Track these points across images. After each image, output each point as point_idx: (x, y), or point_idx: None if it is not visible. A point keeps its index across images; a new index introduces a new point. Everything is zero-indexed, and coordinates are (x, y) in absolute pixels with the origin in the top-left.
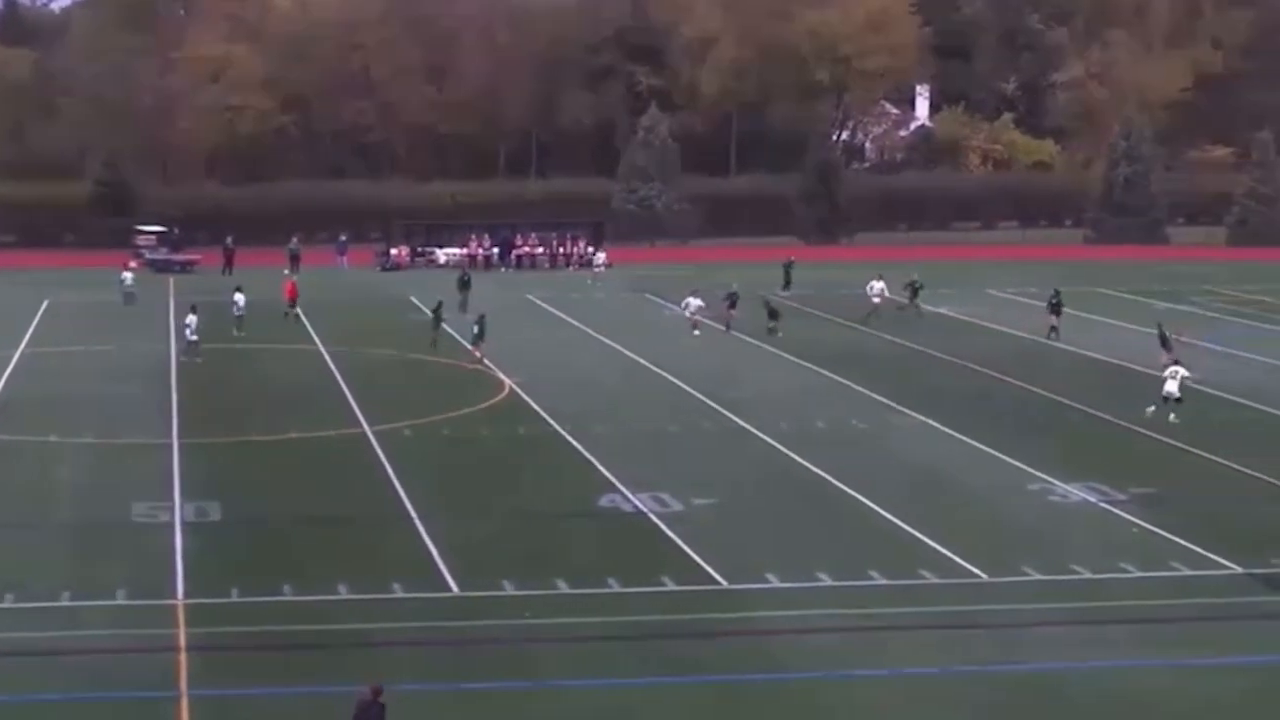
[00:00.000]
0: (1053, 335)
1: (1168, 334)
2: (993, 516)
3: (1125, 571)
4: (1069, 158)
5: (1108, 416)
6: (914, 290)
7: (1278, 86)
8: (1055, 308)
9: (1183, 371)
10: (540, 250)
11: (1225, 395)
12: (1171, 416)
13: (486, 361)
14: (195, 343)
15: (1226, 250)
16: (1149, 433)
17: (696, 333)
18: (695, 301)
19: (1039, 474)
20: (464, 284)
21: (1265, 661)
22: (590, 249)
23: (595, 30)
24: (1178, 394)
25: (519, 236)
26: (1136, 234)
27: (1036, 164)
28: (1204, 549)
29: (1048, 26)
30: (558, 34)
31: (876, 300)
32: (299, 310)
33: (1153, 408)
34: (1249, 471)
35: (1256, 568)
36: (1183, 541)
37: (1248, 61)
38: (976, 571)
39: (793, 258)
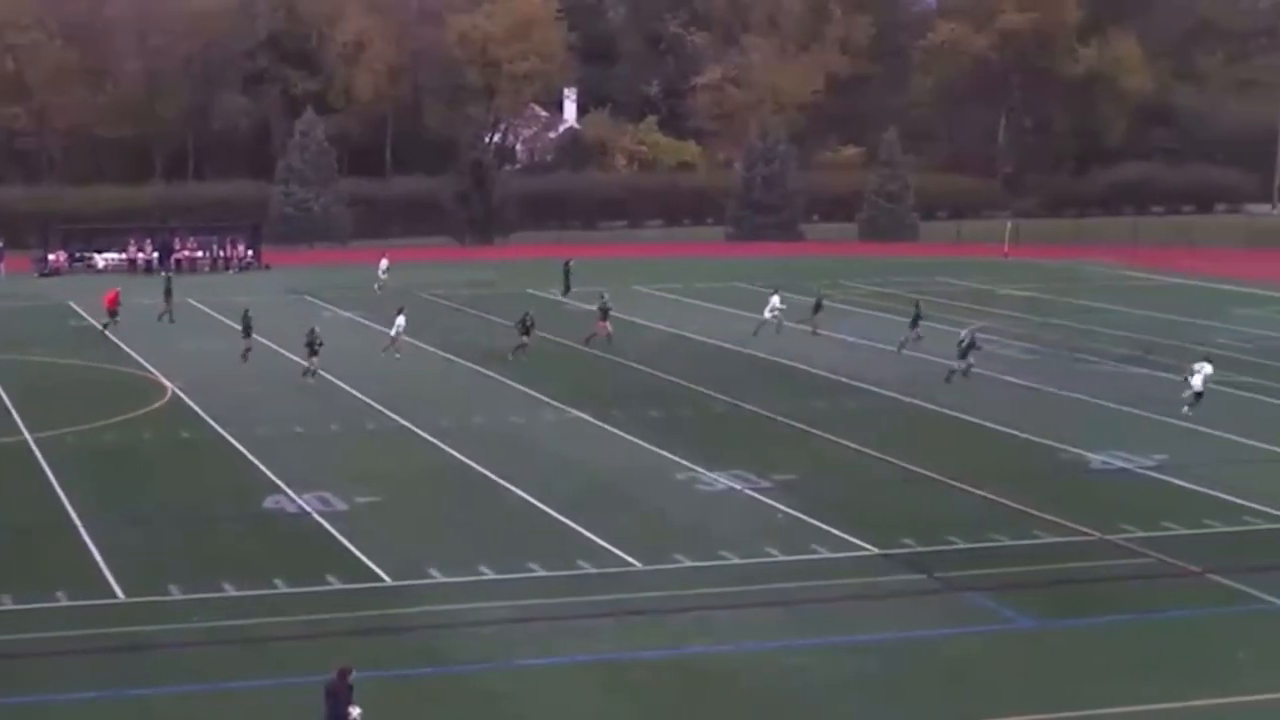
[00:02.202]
0: (904, 349)
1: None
2: (645, 507)
3: (770, 556)
4: (710, 158)
5: (751, 406)
6: (817, 304)
7: (901, 88)
8: (915, 320)
9: (1208, 369)
10: (200, 254)
11: (857, 384)
12: (1186, 409)
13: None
14: None
15: (858, 245)
16: (789, 421)
17: (398, 355)
18: (402, 320)
19: (687, 464)
20: (168, 292)
21: (903, 637)
22: (249, 251)
23: (249, 34)
24: (1200, 389)
25: (178, 240)
26: (774, 231)
27: (680, 164)
28: (842, 532)
29: (687, 32)
30: (211, 37)
31: (769, 316)
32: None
33: (1187, 408)
34: (881, 456)
35: (891, 548)
36: (823, 525)
37: (873, 64)
38: (631, 560)
39: (570, 259)
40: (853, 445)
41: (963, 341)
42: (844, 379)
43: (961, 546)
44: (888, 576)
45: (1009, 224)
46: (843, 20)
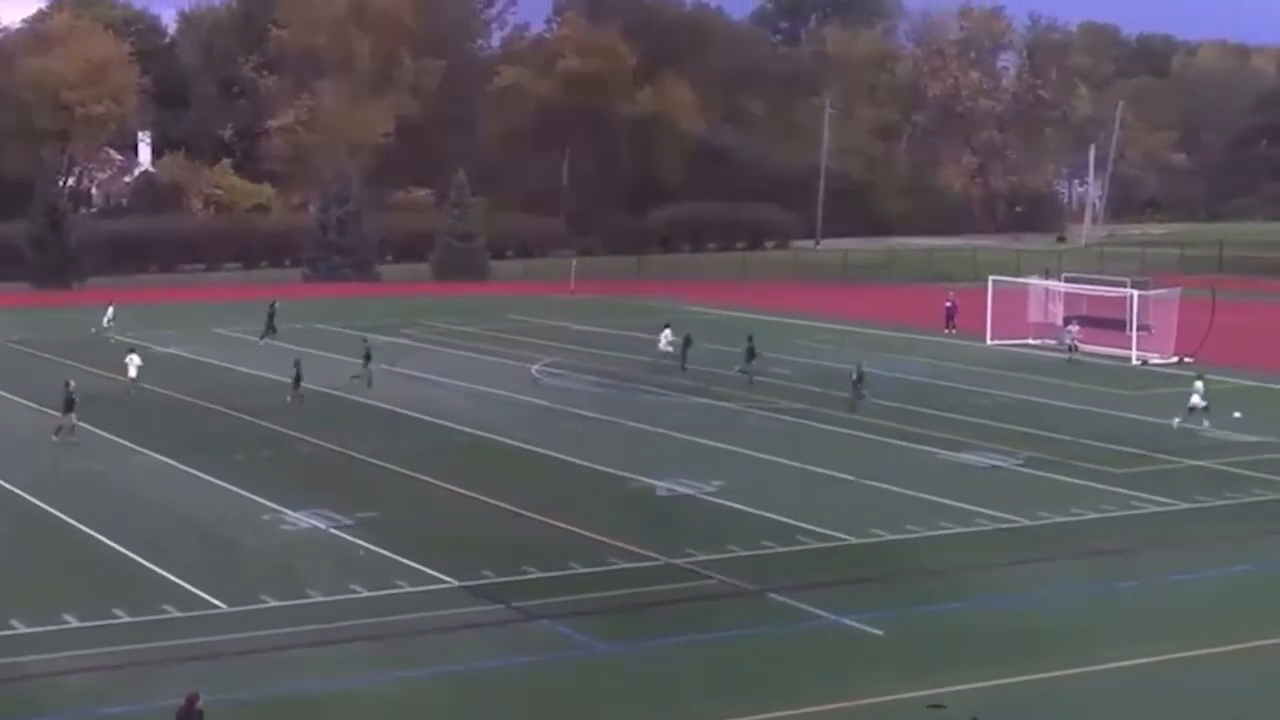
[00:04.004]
0: (741, 373)
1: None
2: (230, 548)
3: (355, 592)
4: (285, 200)
5: (333, 445)
6: (686, 341)
7: (468, 131)
8: (750, 354)
9: (1200, 385)
10: None
11: (433, 419)
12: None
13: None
14: None
15: (431, 285)
16: (370, 459)
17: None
18: (137, 359)
19: (271, 504)
20: None
21: (485, 667)
22: None
23: None
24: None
25: None
26: (350, 272)
27: (256, 206)
28: (423, 566)
29: (260, 75)
30: None
31: (668, 349)
32: None
33: (1206, 423)
34: (460, 490)
35: (471, 580)
36: (404, 560)
37: (443, 108)
38: (217, 603)
39: (276, 300)
40: (432, 480)
41: (852, 375)
42: (424, 416)
43: (538, 576)
44: (468, 608)
45: (574, 262)
46: (413, 65)
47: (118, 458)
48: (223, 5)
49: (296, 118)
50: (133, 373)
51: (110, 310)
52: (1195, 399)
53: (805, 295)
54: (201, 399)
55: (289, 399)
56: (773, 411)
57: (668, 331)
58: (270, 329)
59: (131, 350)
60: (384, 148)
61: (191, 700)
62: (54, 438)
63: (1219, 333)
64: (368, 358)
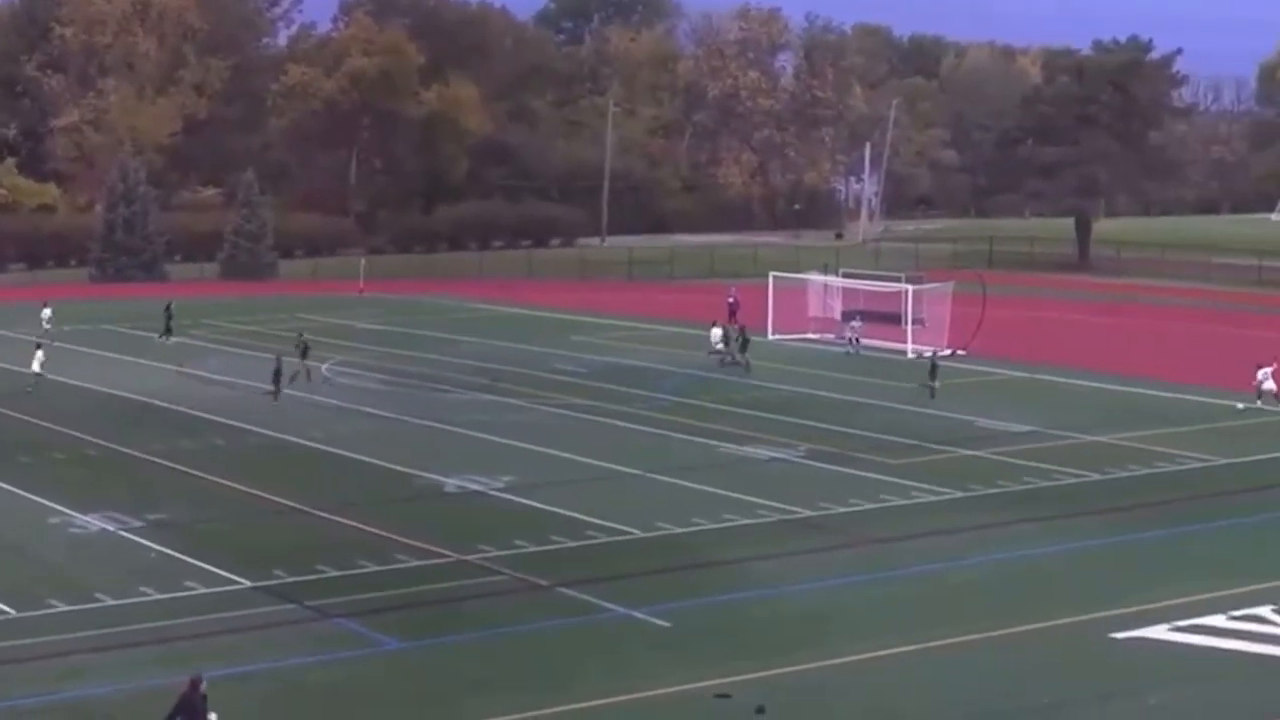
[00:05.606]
0: (728, 360)
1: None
2: (17, 553)
3: (146, 595)
4: (71, 200)
5: (123, 448)
6: (744, 341)
7: (255, 130)
8: (733, 341)
9: (1269, 370)
10: None
11: (224, 420)
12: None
13: None
14: None
15: (220, 284)
16: (161, 461)
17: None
18: (41, 355)
19: (59, 507)
20: None
21: (279, 666)
22: None
23: None
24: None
25: None
26: (137, 272)
27: (41, 206)
28: (215, 567)
29: (44, 74)
30: None
31: (720, 347)
32: None
33: (1241, 406)
34: (252, 490)
35: (263, 580)
36: (196, 562)
37: (229, 106)
38: (5, 608)
39: (172, 300)
40: (224, 481)
41: (928, 366)
42: (214, 417)
43: (330, 575)
44: (261, 608)
45: (363, 261)
46: (198, 64)
47: None
48: (4, 3)
49: (81, 117)
50: (36, 367)
51: (47, 311)
52: (1270, 383)
53: (591, 292)
54: None
55: (277, 395)
56: (561, 408)
57: (716, 330)
58: (168, 329)
59: (39, 346)
60: (171, 147)
61: (195, 684)
62: None
63: (989, 325)
64: (305, 350)
